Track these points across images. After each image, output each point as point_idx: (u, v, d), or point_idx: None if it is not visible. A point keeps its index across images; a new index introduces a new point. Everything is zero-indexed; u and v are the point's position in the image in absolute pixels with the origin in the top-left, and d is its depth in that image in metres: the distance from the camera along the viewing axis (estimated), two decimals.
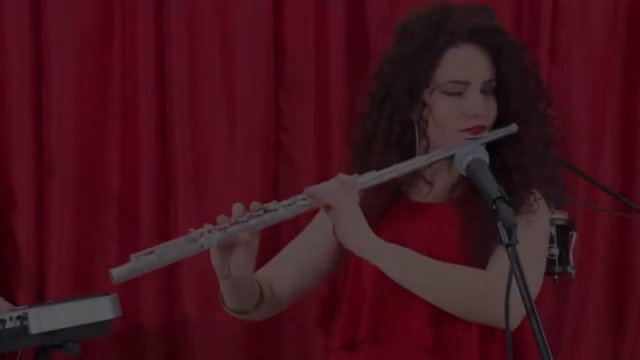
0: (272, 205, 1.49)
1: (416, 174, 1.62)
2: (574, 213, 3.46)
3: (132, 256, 1.42)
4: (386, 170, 1.54)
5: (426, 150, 1.60)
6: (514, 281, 1.44)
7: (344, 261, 1.67)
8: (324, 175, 3.51)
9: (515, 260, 1.27)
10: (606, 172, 3.75)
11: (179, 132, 3.43)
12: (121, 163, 3.44)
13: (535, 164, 1.58)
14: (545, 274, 2.87)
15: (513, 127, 1.59)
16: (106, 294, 2.92)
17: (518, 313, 1.46)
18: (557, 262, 2.87)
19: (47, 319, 2.67)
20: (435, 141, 1.59)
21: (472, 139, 1.54)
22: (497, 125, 1.60)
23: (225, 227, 1.44)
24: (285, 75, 3.57)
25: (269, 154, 3.51)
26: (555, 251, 2.85)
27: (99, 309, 2.82)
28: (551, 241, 2.87)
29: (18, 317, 2.63)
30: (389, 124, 1.60)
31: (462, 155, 1.46)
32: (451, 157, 1.55)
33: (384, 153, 1.60)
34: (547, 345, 1.26)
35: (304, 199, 1.50)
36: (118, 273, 1.41)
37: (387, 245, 1.52)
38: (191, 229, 1.45)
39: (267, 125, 3.52)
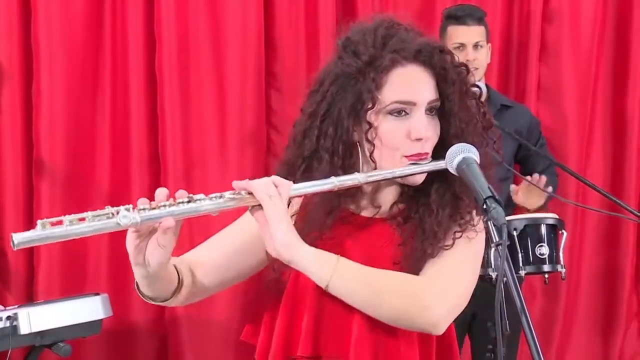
0: (198, 195, 1.39)
1: (360, 190, 1.58)
2: (564, 212, 3.48)
3: (39, 222, 1.30)
4: (322, 181, 1.49)
5: None
6: (440, 284, 1.47)
7: (273, 264, 1.59)
8: None
9: (505, 259, 1.27)
10: (596, 171, 3.77)
11: (170, 130, 3.42)
12: (111, 161, 3.43)
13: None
14: (536, 273, 2.91)
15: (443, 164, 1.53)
16: (96, 293, 2.91)
17: (440, 316, 1.47)
18: (547, 261, 2.87)
19: (37, 319, 2.66)
20: (381, 164, 1.53)
21: (414, 164, 1.51)
22: (438, 145, 1.57)
23: (144, 209, 1.35)
24: (276, 74, 3.58)
25: (259, 152, 3.51)
26: (546, 250, 2.86)
27: (90, 309, 2.82)
28: (541, 240, 2.87)
29: (8, 318, 2.62)
30: (332, 144, 1.54)
31: (453, 154, 1.45)
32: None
33: (326, 175, 1.51)
34: (538, 344, 1.26)
35: (233, 194, 1.42)
36: (20, 238, 1.27)
37: (317, 252, 1.45)
38: (107, 206, 1.34)
39: (258, 124, 3.52)
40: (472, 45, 3.16)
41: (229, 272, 1.60)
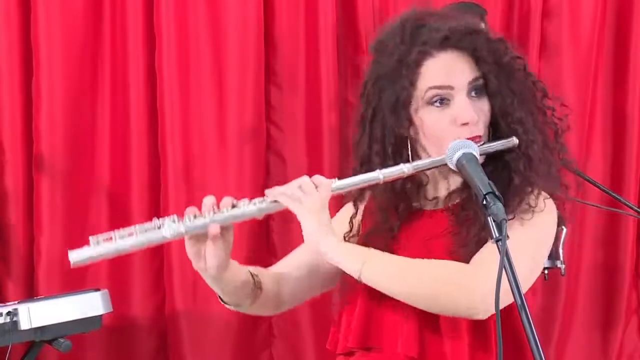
0: (242, 201, 1.45)
1: (420, 185, 1.58)
2: (564, 208, 3.47)
3: (92, 240, 1.40)
4: (367, 175, 1.50)
5: None
6: (482, 270, 1.44)
7: None
8: (314, 169, 3.54)
9: (505, 254, 1.27)
10: (595, 167, 3.77)
11: (170, 127, 3.42)
12: (111, 158, 3.43)
13: (534, 163, 1.53)
14: None
15: (513, 141, 1.52)
16: (96, 289, 2.92)
17: (477, 301, 1.44)
18: (546, 257, 2.87)
19: (37, 314, 2.66)
20: (431, 154, 1.54)
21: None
22: (491, 125, 1.55)
23: (188, 219, 1.42)
24: (276, 70, 3.57)
25: (259, 148, 3.51)
26: None
27: (90, 305, 2.82)
28: None
29: (8, 313, 2.62)
30: (382, 146, 1.55)
31: (453, 150, 1.45)
32: (443, 165, 1.52)
33: None
34: (537, 339, 1.26)
35: (263, 198, 1.49)
36: (76, 257, 1.39)
37: (346, 246, 1.50)
38: (155, 218, 1.41)
39: (257, 120, 3.52)
40: None
41: (311, 282, 1.65)
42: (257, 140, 3.50)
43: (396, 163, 1.53)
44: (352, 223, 1.64)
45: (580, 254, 3.81)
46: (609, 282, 3.84)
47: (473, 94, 1.53)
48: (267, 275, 1.60)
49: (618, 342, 3.85)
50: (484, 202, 1.34)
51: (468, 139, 1.49)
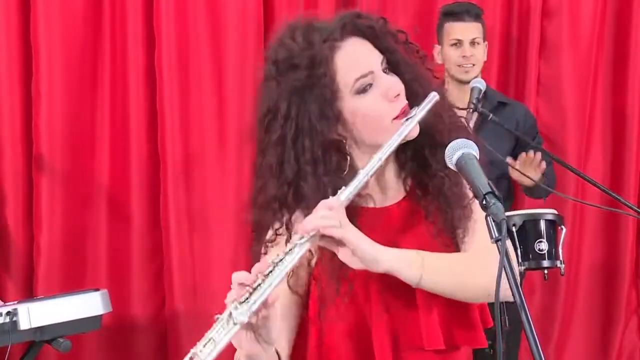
0: (277, 257, 1.36)
1: (367, 184, 1.52)
2: (564, 208, 3.48)
3: None
4: (356, 179, 1.45)
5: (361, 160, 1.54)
6: (487, 256, 1.44)
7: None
8: None
9: (505, 254, 1.27)
10: (595, 167, 3.77)
11: (169, 127, 3.42)
12: (111, 158, 3.43)
13: (449, 132, 1.56)
14: (535, 268, 2.91)
15: (434, 95, 1.54)
16: (96, 289, 2.92)
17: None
18: (546, 257, 2.87)
19: (37, 314, 2.66)
20: (375, 140, 1.51)
21: (407, 119, 1.49)
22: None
23: (246, 299, 1.33)
24: None
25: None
26: (545, 246, 2.86)
27: (89, 305, 2.82)
28: (540, 236, 2.87)
29: (8, 313, 2.62)
30: (312, 154, 1.50)
31: (453, 150, 1.45)
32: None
33: (315, 187, 1.49)
34: (537, 339, 1.26)
35: (302, 238, 1.39)
36: None
37: (402, 255, 1.47)
38: (216, 316, 1.33)
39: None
40: (469, 42, 3.15)
41: (290, 328, 1.57)
42: (256, 140, 3.50)
43: (327, 166, 1.51)
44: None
45: (580, 254, 3.81)
46: (609, 282, 3.84)
47: (385, 72, 1.55)
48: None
49: (618, 342, 3.85)
50: (484, 202, 1.34)
51: (401, 111, 1.51)
